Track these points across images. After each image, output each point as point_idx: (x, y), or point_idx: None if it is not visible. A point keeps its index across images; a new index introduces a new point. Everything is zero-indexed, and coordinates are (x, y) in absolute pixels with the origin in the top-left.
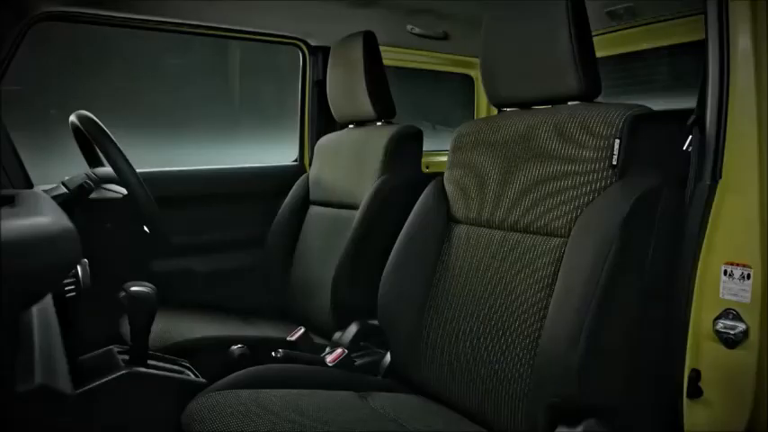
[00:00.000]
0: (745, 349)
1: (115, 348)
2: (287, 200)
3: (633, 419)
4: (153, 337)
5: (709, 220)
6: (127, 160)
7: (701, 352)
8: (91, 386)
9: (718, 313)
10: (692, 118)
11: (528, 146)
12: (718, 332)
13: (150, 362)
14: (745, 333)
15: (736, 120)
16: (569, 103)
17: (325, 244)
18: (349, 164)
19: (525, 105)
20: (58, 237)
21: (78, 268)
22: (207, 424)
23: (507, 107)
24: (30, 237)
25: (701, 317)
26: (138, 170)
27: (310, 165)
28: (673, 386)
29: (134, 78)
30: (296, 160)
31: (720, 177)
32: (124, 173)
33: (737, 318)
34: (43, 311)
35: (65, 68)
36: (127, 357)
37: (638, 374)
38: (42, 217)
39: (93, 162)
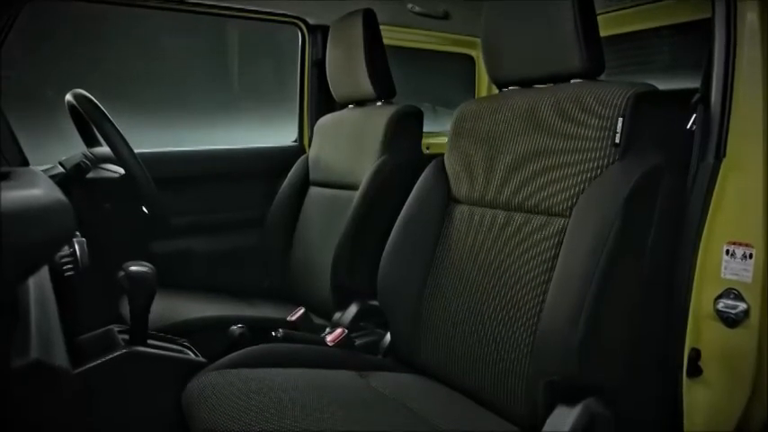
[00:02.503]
0: (746, 329)
1: (115, 328)
2: (286, 180)
3: (633, 398)
4: (153, 317)
5: (712, 199)
6: (124, 139)
7: (702, 331)
8: (91, 365)
9: (719, 293)
10: (697, 96)
11: (529, 125)
12: (718, 311)
13: (150, 341)
14: (746, 312)
15: (741, 97)
16: (572, 81)
17: (324, 224)
18: (349, 144)
19: (527, 84)
20: (51, 208)
21: (76, 247)
22: (207, 402)
23: (509, 86)
24: (22, 208)
25: (702, 296)
26: (136, 150)
27: (310, 145)
28: (673, 365)
29: (132, 59)
30: (295, 141)
31: (725, 156)
32: (121, 152)
33: (739, 297)
34: (40, 288)
35: (61, 49)
36: (127, 337)
37: (638, 354)
38: (35, 189)
39: (91, 142)
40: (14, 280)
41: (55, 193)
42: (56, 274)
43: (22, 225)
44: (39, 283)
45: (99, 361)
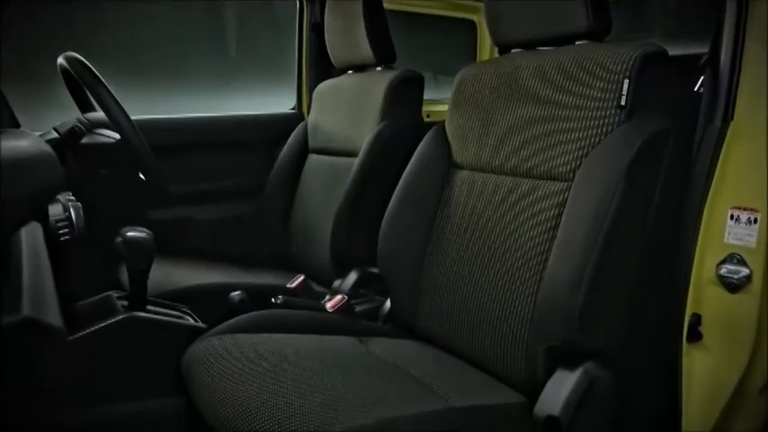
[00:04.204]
0: (748, 294)
1: (114, 294)
2: (285, 148)
3: (632, 362)
4: (152, 284)
5: (718, 162)
6: (119, 103)
7: (703, 296)
8: (90, 330)
9: (722, 258)
10: (706, 57)
11: (533, 88)
12: (721, 277)
13: (150, 307)
14: (749, 278)
15: (751, 58)
16: (577, 42)
17: (324, 192)
18: (348, 110)
19: (530, 46)
20: (37, 159)
21: (71, 210)
22: (207, 367)
23: (512, 49)
24: (8, 158)
25: (705, 261)
26: (134, 117)
27: (309, 112)
28: (673, 330)
29: (129, 25)
30: (294, 107)
31: (732, 118)
32: (116, 117)
33: (741, 262)
34: (34, 251)
35: (58, 17)
36: (126, 303)
37: (639, 318)
38: (21, 141)
39: (85, 107)
40: (4, 230)
41: (41, 146)
42: (52, 239)
43: (8, 174)
44: (32, 245)
45: (98, 326)
